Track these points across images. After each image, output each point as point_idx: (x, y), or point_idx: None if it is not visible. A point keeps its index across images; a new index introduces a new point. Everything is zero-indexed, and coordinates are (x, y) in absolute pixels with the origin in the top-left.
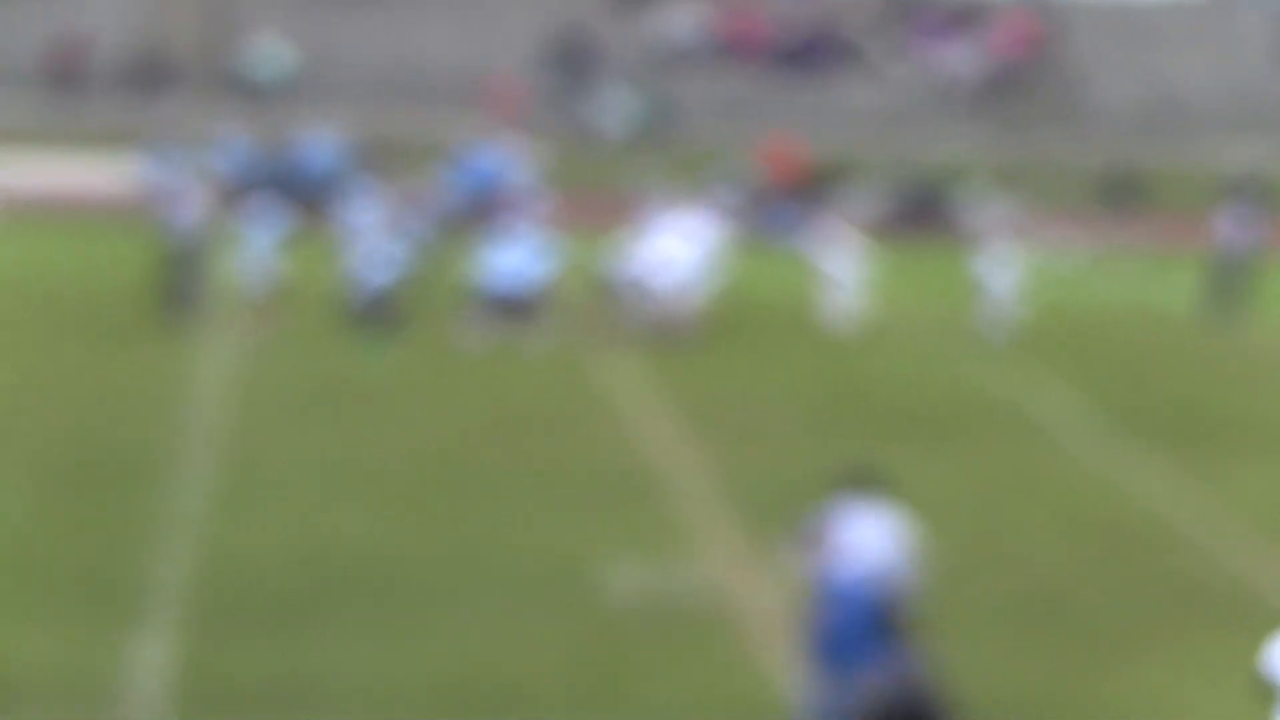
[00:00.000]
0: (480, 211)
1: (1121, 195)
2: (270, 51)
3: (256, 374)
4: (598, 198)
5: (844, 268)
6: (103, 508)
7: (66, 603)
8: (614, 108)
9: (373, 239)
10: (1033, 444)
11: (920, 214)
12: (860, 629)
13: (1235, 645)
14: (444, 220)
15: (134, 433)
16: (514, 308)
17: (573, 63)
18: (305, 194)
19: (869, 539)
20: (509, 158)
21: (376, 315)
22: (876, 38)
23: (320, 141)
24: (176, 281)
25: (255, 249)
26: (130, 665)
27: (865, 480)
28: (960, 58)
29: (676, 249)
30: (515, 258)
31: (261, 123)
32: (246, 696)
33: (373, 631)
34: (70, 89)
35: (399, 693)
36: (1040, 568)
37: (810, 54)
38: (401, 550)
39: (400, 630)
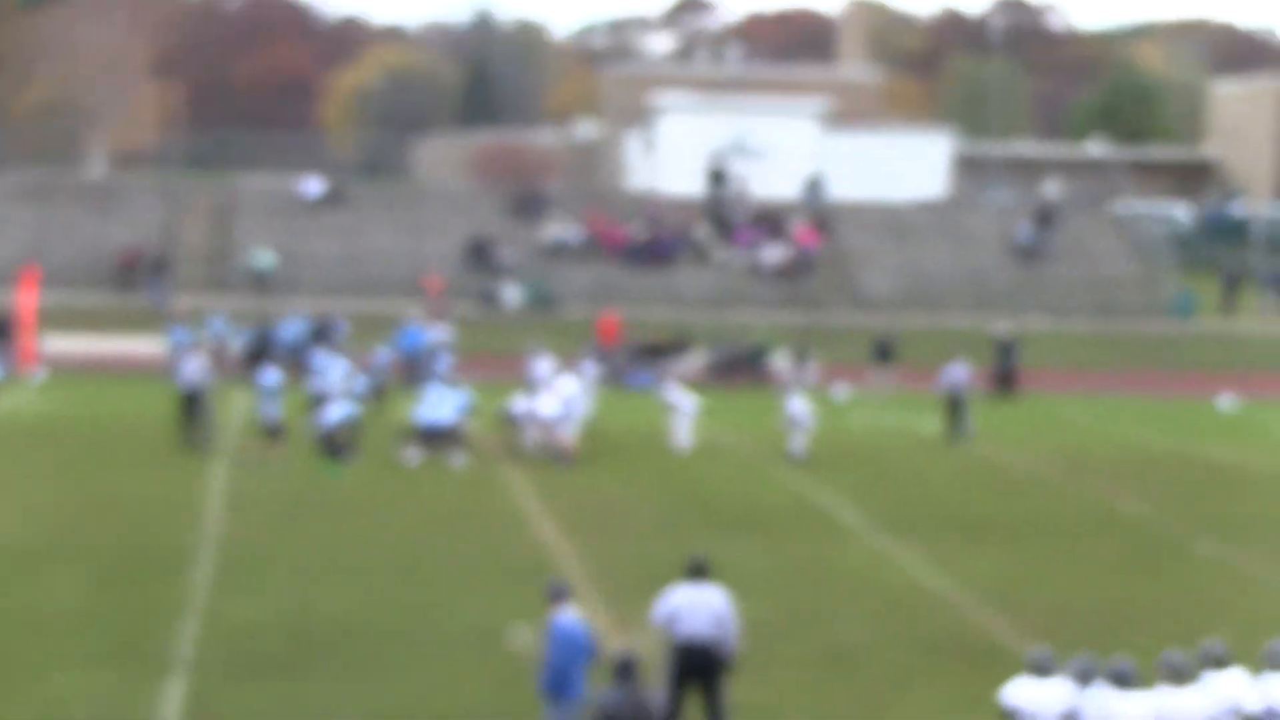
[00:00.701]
0: (411, 369)
1: (884, 352)
2: (258, 253)
3: (252, 488)
4: (500, 357)
5: (685, 404)
6: (138, 589)
7: (112, 660)
8: (512, 291)
9: (330, 390)
10: (826, 534)
11: (740, 366)
12: (574, 666)
13: (980, 682)
14: (382, 376)
15: (160, 533)
16: (438, 436)
17: (482, 259)
18: (283, 357)
19: (697, 610)
20: (432, 330)
21: (333, 444)
22: (706, 237)
23: (294, 319)
24: (188, 419)
25: (263, 396)
26: (158, 708)
27: (697, 568)
28: (767, 250)
29: (557, 392)
30: (437, 400)
31: (253, 305)
32: None
33: (340, 679)
34: (127, 283)
35: None
36: (834, 626)
37: (657, 249)
38: (360, 617)
39: (360, 678)
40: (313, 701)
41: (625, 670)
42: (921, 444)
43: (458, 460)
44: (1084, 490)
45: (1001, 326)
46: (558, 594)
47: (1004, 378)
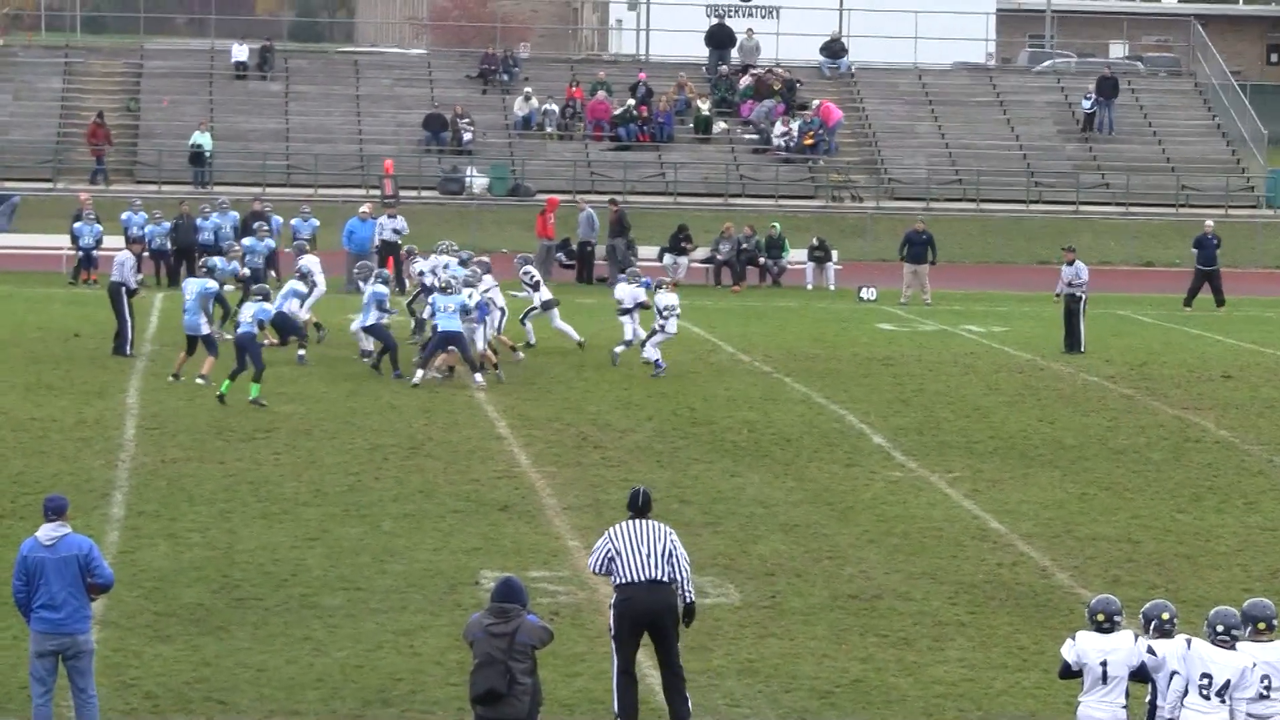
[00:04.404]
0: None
1: (918, 250)
2: (197, 133)
3: (168, 409)
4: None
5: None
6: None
7: (7, 611)
8: (475, 176)
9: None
10: (850, 460)
11: (748, 264)
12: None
13: (1031, 633)
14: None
15: (60, 463)
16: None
17: (440, 138)
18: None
19: (641, 550)
20: (388, 223)
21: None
22: (707, 110)
23: (217, 212)
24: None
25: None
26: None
27: (640, 503)
28: (779, 126)
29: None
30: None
31: (166, 195)
32: (160, 697)
33: (269, 635)
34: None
35: (291, 687)
36: (859, 567)
37: (648, 126)
38: (292, 562)
39: (293, 633)
40: (238, 661)
41: (497, 593)
42: (963, 355)
43: (416, 376)
44: (1154, 408)
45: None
46: (56, 508)
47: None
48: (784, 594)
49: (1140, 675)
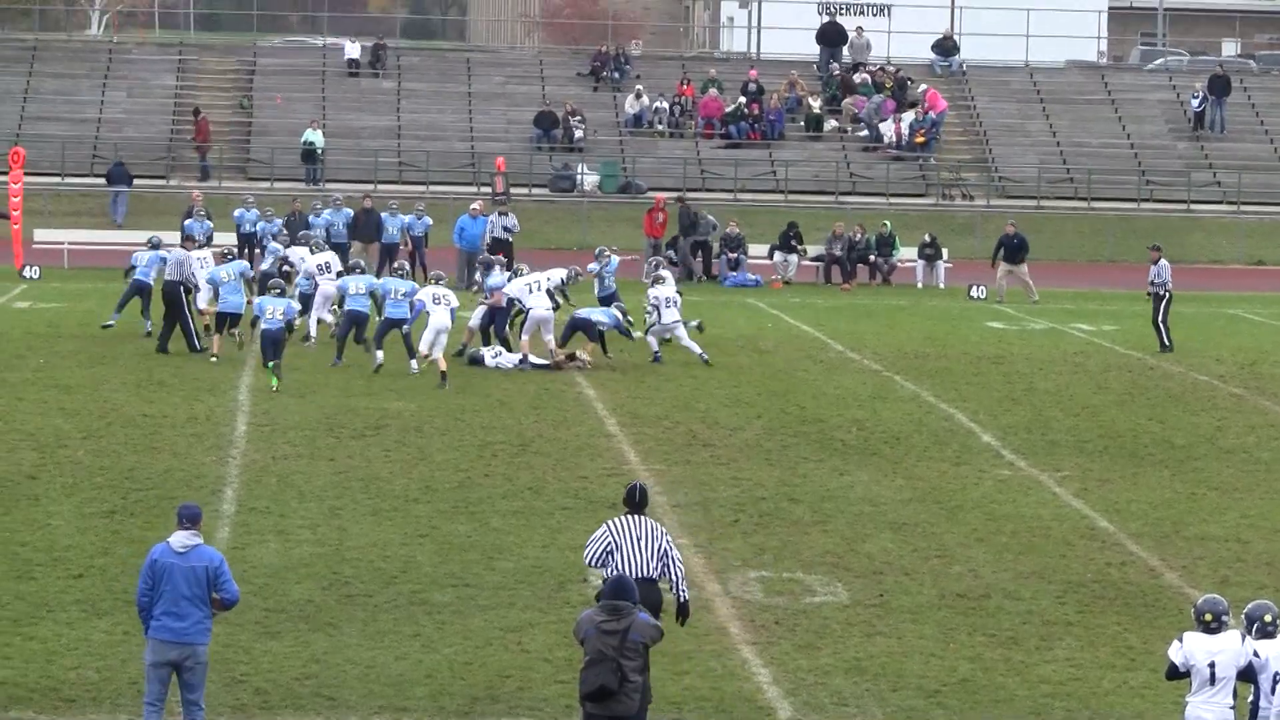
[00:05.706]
0: (471, 266)
1: (1014, 251)
2: (308, 131)
3: (278, 407)
4: (565, 253)
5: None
6: (146, 525)
7: (113, 608)
8: (585, 174)
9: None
10: (960, 458)
11: (859, 263)
12: (174, 598)
13: (1139, 633)
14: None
15: (172, 459)
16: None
17: (552, 135)
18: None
19: (638, 547)
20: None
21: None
22: (819, 108)
23: (328, 209)
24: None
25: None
26: None
27: (638, 499)
28: (889, 122)
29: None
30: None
31: (278, 192)
32: (269, 693)
33: (378, 632)
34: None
35: (399, 684)
36: (967, 565)
37: (759, 123)
38: (401, 559)
39: (401, 629)
40: (347, 658)
41: (609, 590)
42: (1073, 353)
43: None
44: (1264, 407)
45: None
46: (190, 516)
47: None
48: (892, 592)
49: (1247, 675)
